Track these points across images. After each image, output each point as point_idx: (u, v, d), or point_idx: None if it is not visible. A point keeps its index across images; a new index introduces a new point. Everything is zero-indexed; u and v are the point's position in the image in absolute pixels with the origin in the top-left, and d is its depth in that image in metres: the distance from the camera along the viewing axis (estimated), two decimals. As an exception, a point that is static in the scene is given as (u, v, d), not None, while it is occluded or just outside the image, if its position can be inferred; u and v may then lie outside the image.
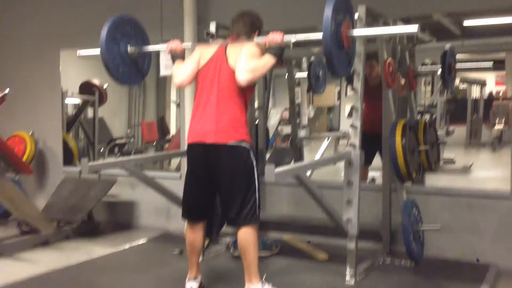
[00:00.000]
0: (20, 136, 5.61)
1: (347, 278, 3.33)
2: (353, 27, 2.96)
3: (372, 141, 4.18)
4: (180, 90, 4.95)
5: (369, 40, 3.68)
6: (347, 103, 8.78)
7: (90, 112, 6.55)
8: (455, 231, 3.92)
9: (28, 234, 4.60)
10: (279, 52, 2.86)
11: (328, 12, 2.68)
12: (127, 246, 4.34)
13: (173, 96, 7.05)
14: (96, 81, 6.40)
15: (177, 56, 3.19)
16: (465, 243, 3.89)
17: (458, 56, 4.44)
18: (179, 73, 3.10)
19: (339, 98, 9.72)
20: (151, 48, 3.48)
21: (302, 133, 6.88)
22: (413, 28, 2.84)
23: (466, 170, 7.05)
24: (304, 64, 7.22)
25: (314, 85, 5.52)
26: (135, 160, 3.58)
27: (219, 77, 2.93)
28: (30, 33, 5.97)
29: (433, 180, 4.86)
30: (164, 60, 5.03)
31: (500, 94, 9.58)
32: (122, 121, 7.32)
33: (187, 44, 3.38)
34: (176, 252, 4.05)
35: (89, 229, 5.01)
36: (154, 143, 7.41)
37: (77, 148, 6.09)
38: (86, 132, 6.41)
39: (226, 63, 2.94)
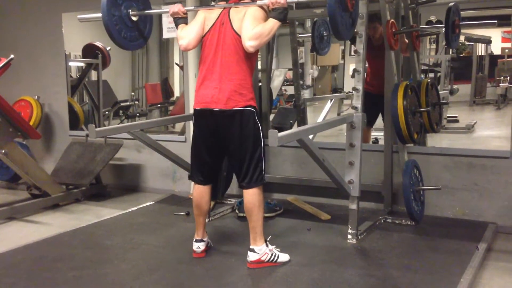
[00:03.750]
0: (26, 100, 5.65)
1: (349, 237, 3.44)
2: None
3: (375, 101, 4.22)
4: (184, 52, 4.94)
5: (372, 0, 3.65)
6: (351, 62, 8.73)
7: (93, 74, 6.56)
8: (456, 190, 3.98)
9: (38, 197, 4.71)
10: (283, 15, 2.84)
11: None
12: (135, 208, 4.45)
13: (176, 58, 7.03)
14: (99, 44, 6.38)
15: (180, 20, 3.18)
16: (465, 202, 3.96)
17: (463, 13, 4.38)
18: (184, 36, 3.07)
19: (343, 57, 9.65)
20: (153, 11, 3.47)
21: (305, 93, 6.89)
22: None
23: (469, 128, 7.07)
24: (308, 24, 7.18)
25: (318, 46, 5.51)
26: (140, 125, 3.62)
27: (224, 43, 2.94)
28: (31, -3, 5.93)
29: (436, 139, 4.91)
30: (167, 22, 5.04)
31: (506, 51, 9.48)
32: (126, 84, 7.34)
33: (190, 7, 3.37)
34: (183, 213, 4.15)
35: (97, 192, 5.12)
36: (159, 105, 7.45)
37: (83, 112, 6.14)
38: (91, 95, 6.44)
39: (230, 27, 2.94)
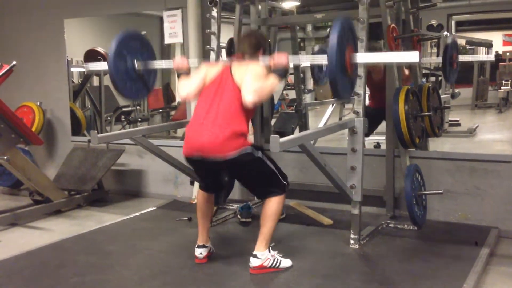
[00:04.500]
0: (28, 106, 5.67)
1: (351, 242, 3.43)
2: (356, 51, 3.03)
3: (374, 114, 4.31)
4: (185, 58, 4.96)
5: (372, 4, 3.65)
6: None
7: (95, 80, 6.58)
8: (458, 195, 3.98)
9: (41, 203, 4.71)
10: (284, 73, 2.92)
11: (333, 39, 2.74)
12: (137, 213, 4.45)
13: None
14: (100, 49, 6.39)
15: (183, 72, 3.27)
16: (467, 207, 3.96)
17: (464, 17, 4.43)
18: (185, 86, 3.15)
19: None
20: (158, 64, 3.58)
21: (307, 98, 6.89)
22: (414, 56, 2.93)
23: (471, 132, 7.06)
24: (309, 29, 7.19)
25: (317, 76, 5.64)
26: (142, 130, 3.63)
27: (223, 91, 2.96)
28: (34, 4, 5.95)
29: (438, 143, 4.90)
30: (168, 28, 5.06)
31: (507, 54, 9.47)
32: (127, 89, 7.34)
33: (193, 61, 3.49)
34: (185, 219, 4.15)
35: (99, 198, 5.13)
36: (160, 110, 7.45)
37: (85, 117, 6.15)
38: (93, 101, 6.45)
39: (231, 79, 2.98)
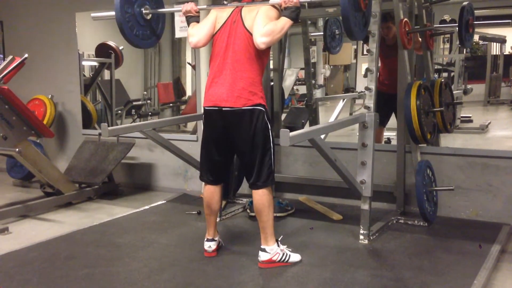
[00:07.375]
0: (40, 99, 5.70)
1: (361, 237, 3.42)
2: None
3: (388, 100, 4.21)
4: (196, 51, 4.95)
5: (385, -1, 3.63)
6: (363, 62, 8.69)
7: (106, 74, 6.60)
8: (469, 191, 3.94)
9: (52, 195, 4.74)
10: (296, 14, 2.84)
11: None
12: (146, 206, 4.46)
13: (188, 57, 7.05)
14: (112, 43, 6.42)
15: (192, 18, 3.19)
16: (478, 203, 3.92)
17: (477, 12, 4.34)
18: (194, 33, 3.09)
19: (355, 56, 9.62)
20: (166, 10, 3.48)
21: (317, 93, 6.87)
22: None
23: (483, 128, 7.01)
24: (320, 23, 7.15)
25: (330, 45, 5.50)
26: (153, 124, 3.63)
27: (235, 41, 2.94)
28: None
29: (449, 139, 4.87)
30: (179, 22, 5.05)
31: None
32: (138, 83, 7.38)
33: (202, 6, 3.38)
34: (194, 212, 4.16)
35: (109, 191, 5.14)
36: (171, 104, 7.48)
37: (96, 111, 6.18)
38: (104, 94, 6.48)
39: (242, 26, 2.94)
